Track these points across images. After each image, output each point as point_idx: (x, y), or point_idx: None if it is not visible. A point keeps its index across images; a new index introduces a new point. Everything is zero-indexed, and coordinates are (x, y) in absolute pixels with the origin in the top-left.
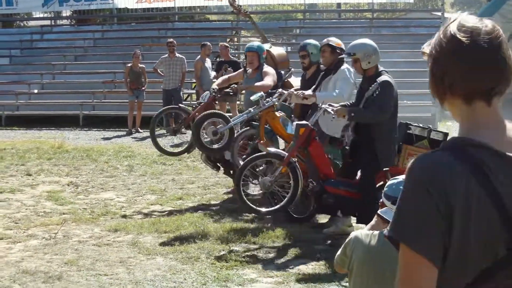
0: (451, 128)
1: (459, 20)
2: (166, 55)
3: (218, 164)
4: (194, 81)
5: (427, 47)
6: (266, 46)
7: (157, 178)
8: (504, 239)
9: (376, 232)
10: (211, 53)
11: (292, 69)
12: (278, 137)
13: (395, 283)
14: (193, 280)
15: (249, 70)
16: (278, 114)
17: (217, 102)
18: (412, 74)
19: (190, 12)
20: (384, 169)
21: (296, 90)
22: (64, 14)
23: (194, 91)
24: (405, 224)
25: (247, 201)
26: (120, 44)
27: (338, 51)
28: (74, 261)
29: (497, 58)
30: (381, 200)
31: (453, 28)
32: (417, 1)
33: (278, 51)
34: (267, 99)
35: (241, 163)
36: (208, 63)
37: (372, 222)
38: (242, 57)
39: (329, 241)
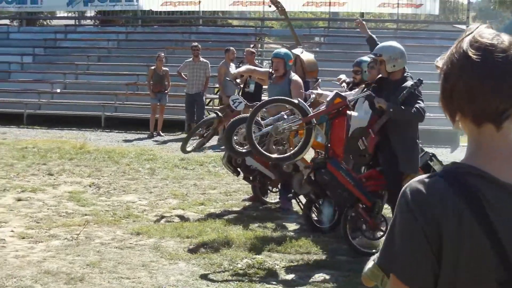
0: None
1: (474, 34)
2: (190, 59)
3: (239, 169)
4: (217, 86)
5: (440, 61)
6: (298, 51)
7: (179, 182)
8: (497, 275)
9: None
10: (235, 58)
11: (320, 80)
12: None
13: None
14: (215, 287)
15: (274, 75)
16: None
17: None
18: (435, 86)
19: (214, 16)
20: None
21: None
22: (88, 14)
23: (217, 96)
24: (393, 252)
25: (258, 146)
26: (144, 47)
27: None
28: (96, 263)
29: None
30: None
31: (465, 43)
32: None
33: (308, 57)
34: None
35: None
36: (232, 68)
37: None
38: (265, 63)
39: (353, 252)
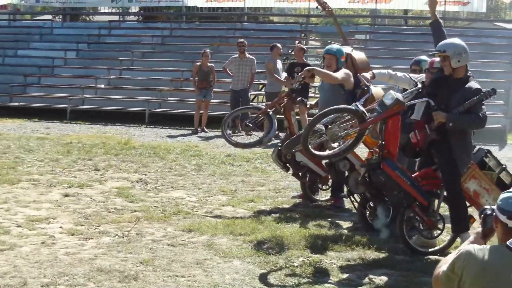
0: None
1: None
2: (236, 55)
3: (288, 164)
4: (262, 82)
5: None
6: (348, 50)
7: (226, 179)
8: None
9: (491, 247)
10: (281, 54)
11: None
12: None
13: None
14: (273, 286)
15: None
16: None
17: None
18: (483, 84)
19: (259, 13)
20: None
21: None
22: (131, 10)
23: (263, 92)
24: None
25: (311, 149)
26: (188, 43)
27: None
28: (150, 260)
29: None
30: (486, 213)
31: None
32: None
33: (359, 55)
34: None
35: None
36: (279, 64)
37: (471, 239)
38: (309, 60)
39: (410, 252)
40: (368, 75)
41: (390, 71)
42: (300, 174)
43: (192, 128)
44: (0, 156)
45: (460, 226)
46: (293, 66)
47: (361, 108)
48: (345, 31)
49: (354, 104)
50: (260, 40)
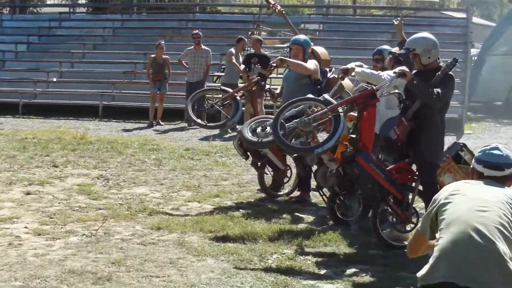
0: (476, 129)
1: None
2: (192, 47)
3: (248, 152)
4: (216, 74)
5: None
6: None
7: (188, 173)
8: None
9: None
10: (246, 47)
11: (334, 69)
12: None
13: None
14: (251, 285)
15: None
16: None
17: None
18: None
19: (210, 3)
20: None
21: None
22: (80, 2)
23: (218, 84)
24: None
25: (285, 140)
26: (140, 34)
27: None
28: (121, 260)
29: None
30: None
31: None
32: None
33: (319, 49)
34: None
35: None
36: (240, 57)
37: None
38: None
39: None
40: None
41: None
42: (258, 164)
43: (147, 121)
44: None
45: None
46: (250, 57)
47: (329, 97)
48: (297, 21)
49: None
50: (213, 31)
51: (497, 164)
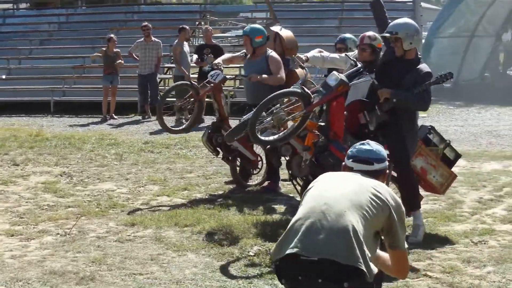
0: (430, 112)
1: None
2: (142, 39)
3: (218, 148)
4: (167, 66)
5: None
6: (276, 28)
7: (151, 167)
8: None
9: None
10: (189, 36)
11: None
12: None
13: None
14: (237, 278)
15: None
16: None
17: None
18: None
19: None
20: None
21: None
22: None
23: (171, 76)
24: None
25: (259, 136)
26: (86, 28)
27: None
28: (101, 259)
29: None
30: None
31: None
32: None
33: (287, 34)
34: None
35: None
36: (186, 47)
37: None
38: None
39: None
40: (303, 57)
41: (324, 53)
42: (230, 158)
43: (101, 116)
44: None
45: (412, 204)
46: (202, 48)
47: (307, 90)
48: (246, 10)
49: (298, 86)
50: (159, 22)
51: (365, 159)
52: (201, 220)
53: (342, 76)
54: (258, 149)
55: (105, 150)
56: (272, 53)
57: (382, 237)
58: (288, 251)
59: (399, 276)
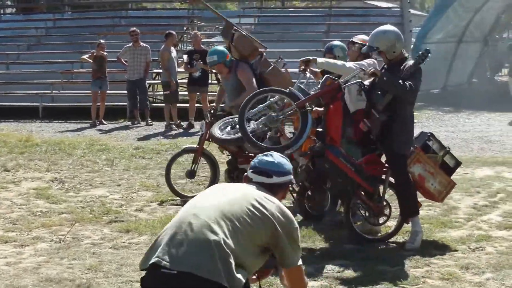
0: (420, 117)
1: None
2: (130, 44)
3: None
4: (155, 71)
5: None
6: (226, 33)
7: (143, 173)
8: None
9: None
10: (177, 42)
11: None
12: None
13: None
14: None
15: None
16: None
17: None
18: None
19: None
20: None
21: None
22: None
23: (159, 81)
24: None
25: (251, 136)
26: (74, 33)
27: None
28: (97, 266)
29: None
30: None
31: None
32: None
33: (242, 43)
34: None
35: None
36: (174, 52)
37: None
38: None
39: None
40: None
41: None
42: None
43: (90, 121)
44: None
45: (410, 211)
46: (192, 53)
47: (294, 91)
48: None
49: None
50: (147, 27)
51: (265, 170)
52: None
53: (328, 75)
54: None
55: (95, 156)
56: (238, 67)
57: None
58: (151, 261)
59: None
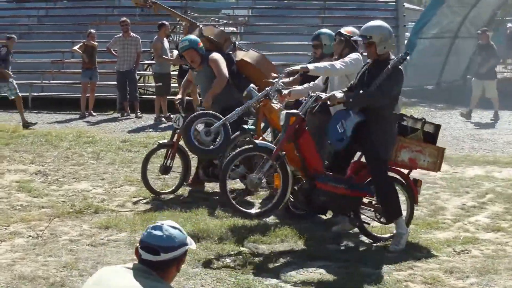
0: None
1: None
2: (120, 35)
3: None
4: (147, 62)
5: None
6: (195, 33)
7: (128, 167)
8: None
9: None
10: (169, 33)
11: (237, 42)
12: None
13: None
14: (211, 286)
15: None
16: (276, 106)
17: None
18: None
19: None
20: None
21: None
22: None
23: (151, 72)
24: None
25: (235, 204)
26: (66, 22)
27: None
28: (73, 264)
29: None
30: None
31: None
32: None
33: (212, 31)
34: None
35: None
36: (166, 43)
37: None
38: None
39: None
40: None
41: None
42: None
43: (79, 112)
44: None
45: (392, 213)
46: None
47: (261, 143)
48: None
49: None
50: (140, 18)
51: (152, 247)
52: (177, 224)
53: (287, 111)
54: None
55: (82, 148)
56: (211, 54)
57: None
58: None
59: None
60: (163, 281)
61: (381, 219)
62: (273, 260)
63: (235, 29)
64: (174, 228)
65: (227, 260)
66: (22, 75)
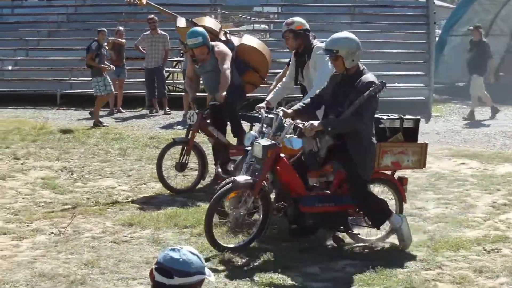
0: (443, 111)
1: None
2: (148, 32)
3: None
4: (175, 59)
5: None
6: (181, 23)
7: (154, 163)
8: None
9: None
10: None
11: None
12: None
13: None
14: (235, 285)
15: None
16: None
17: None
18: (401, 55)
19: None
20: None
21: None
22: None
23: (180, 69)
24: None
25: (218, 240)
26: (95, 20)
27: (301, 32)
28: (94, 261)
29: None
30: None
31: None
32: None
33: (209, 22)
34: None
35: None
36: None
37: None
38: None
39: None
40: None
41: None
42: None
43: (108, 109)
44: None
45: (378, 221)
46: None
47: (239, 179)
48: (256, 4)
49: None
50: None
51: (167, 269)
52: (201, 221)
53: (263, 142)
54: None
55: (109, 145)
56: (216, 46)
57: None
58: None
59: None
60: None
61: (372, 224)
62: (298, 258)
63: (266, 26)
64: (193, 254)
65: (256, 259)
66: (50, 72)
